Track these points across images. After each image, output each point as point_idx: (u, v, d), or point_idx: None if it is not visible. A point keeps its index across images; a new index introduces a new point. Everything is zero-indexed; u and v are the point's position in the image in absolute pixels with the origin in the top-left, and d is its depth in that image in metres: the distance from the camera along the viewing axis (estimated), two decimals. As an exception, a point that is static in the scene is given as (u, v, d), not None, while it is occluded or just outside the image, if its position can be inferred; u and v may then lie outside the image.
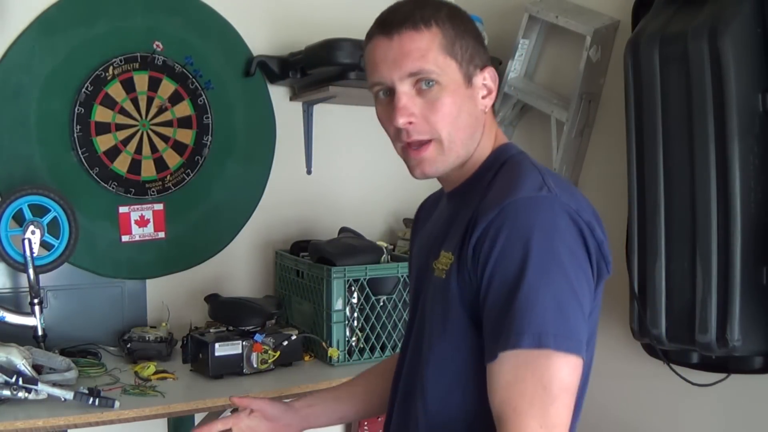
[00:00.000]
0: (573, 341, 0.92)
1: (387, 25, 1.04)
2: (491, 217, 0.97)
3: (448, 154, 1.06)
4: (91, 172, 2.08)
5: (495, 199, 0.99)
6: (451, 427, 1.04)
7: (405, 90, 1.03)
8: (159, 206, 2.18)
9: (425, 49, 1.02)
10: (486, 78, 1.08)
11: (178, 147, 2.20)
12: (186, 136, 2.22)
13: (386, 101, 1.06)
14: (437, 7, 1.05)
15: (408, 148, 1.06)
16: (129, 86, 2.13)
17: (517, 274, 0.93)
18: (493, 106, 1.11)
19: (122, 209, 2.14)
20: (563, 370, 0.91)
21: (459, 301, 1.01)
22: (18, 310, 1.87)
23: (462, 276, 1.00)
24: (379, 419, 2.39)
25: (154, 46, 2.16)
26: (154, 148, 2.17)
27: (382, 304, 1.97)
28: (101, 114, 2.09)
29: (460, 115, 1.05)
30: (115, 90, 2.11)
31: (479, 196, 1.04)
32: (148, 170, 2.16)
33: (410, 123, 1.03)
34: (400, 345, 1.30)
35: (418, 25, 1.02)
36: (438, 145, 1.05)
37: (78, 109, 2.05)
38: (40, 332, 1.81)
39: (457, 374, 1.03)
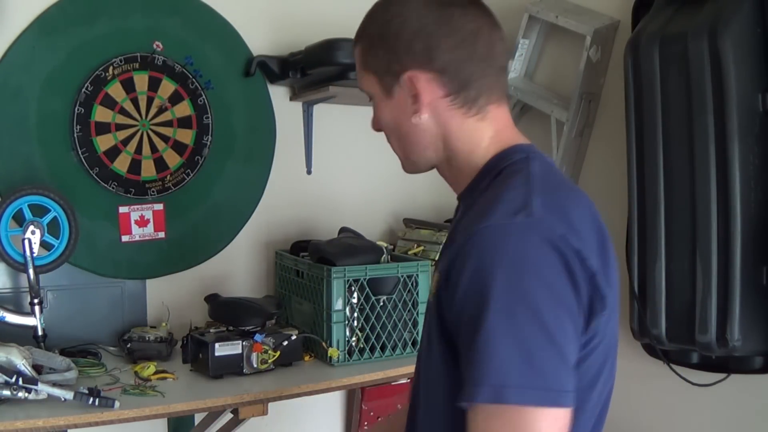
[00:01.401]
0: (547, 392, 0.79)
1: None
2: (458, 246, 0.86)
3: (411, 167, 1.05)
4: (91, 172, 2.08)
5: (468, 222, 0.89)
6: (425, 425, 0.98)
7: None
8: (159, 206, 2.18)
9: (358, 67, 1.04)
10: (402, 84, 0.98)
11: (178, 147, 2.20)
12: (186, 136, 2.22)
13: None
14: (364, 21, 1.03)
15: None
16: (129, 86, 2.13)
17: (478, 316, 0.81)
18: (492, 102, 1.00)
19: (122, 209, 2.13)
20: (540, 423, 0.79)
21: (438, 325, 0.92)
22: (18, 310, 1.87)
23: (441, 301, 0.91)
24: (379, 419, 2.39)
25: (154, 46, 2.16)
26: (154, 148, 2.17)
27: (382, 304, 1.97)
28: (101, 114, 2.09)
29: (395, 128, 1.01)
30: (115, 90, 2.11)
31: (471, 208, 0.96)
32: (148, 170, 2.16)
33: (377, 131, 1.06)
34: None
35: (353, 44, 1.04)
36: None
37: (78, 109, 2.05)
38: (40, 332, 1.81)
39: (440, 403, 0.95)
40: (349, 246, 2.04)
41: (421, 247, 2.29)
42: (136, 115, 2.15)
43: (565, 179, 1.00)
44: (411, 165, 1.05)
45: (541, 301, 0.81)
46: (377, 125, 1.05)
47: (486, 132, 1.00)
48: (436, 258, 1.00)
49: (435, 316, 0.93)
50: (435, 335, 0.93)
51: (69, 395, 1.51)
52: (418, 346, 1.11)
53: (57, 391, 1.52)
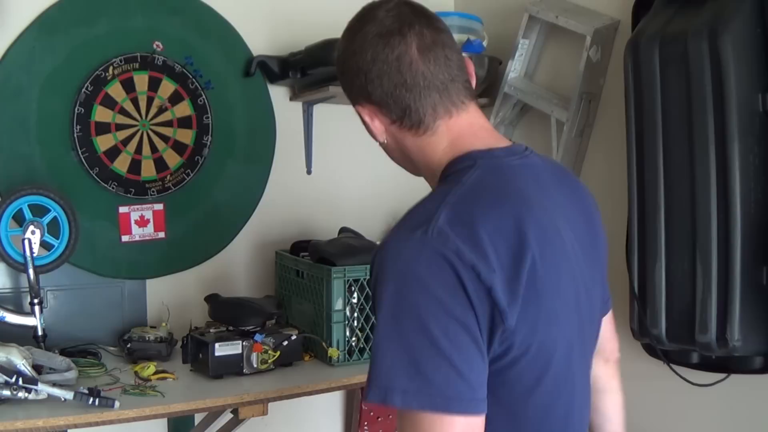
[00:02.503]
0: (433, 398, 0.84)
1: None
2: (373, 256, 0.94)
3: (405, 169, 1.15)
4: (91, 172, 2.08)
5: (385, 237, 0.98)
6: None
7: None
8: (159, 206, 2.18)
9: None
10: (363, 112, 1.08)
11: (178, 147, 2.20)
12: (186, 136, 2.22)
13: None
14: (335, 48, 1.14)
15: None
16: (129, 86, 2.13)
17: (376, 323, 0.90)
18: (451, 113, 1.05)
19: (122, 209, 2.14)
20: (433, 427, 0.84)
21: None
22: (18, 310, 1.87)
23: None
24: (379, 419, 2.39)
25: (154, 46, 2.16)
26: (154, 148, 2.17)
27: (382, 304, 1.97)
28: (101, 114, 2.09)
29: (383, 145, 1.12)
30: (115, 90, 2.11)
31: None
32: (148, 170, 2.16)
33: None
34: None
35: None
36: None
37: (78, 109, 2.05)
38: (40, 332, 1.81)
39: None
40: (349, 246, 2.04)
41: (421, 247, 2.29)
42: (136, 115, 2.15)
43: (503, 185, 0.98)
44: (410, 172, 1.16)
45: (426, 312, 0.85)
46: None
47: (439, 145, 1.05)
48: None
49: None
50: None
51: (69, 395, 1.51)
52: None
53: (57, 391, 1.52)
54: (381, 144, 1.12)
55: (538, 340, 0.92)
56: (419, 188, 2.40)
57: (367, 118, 1.08)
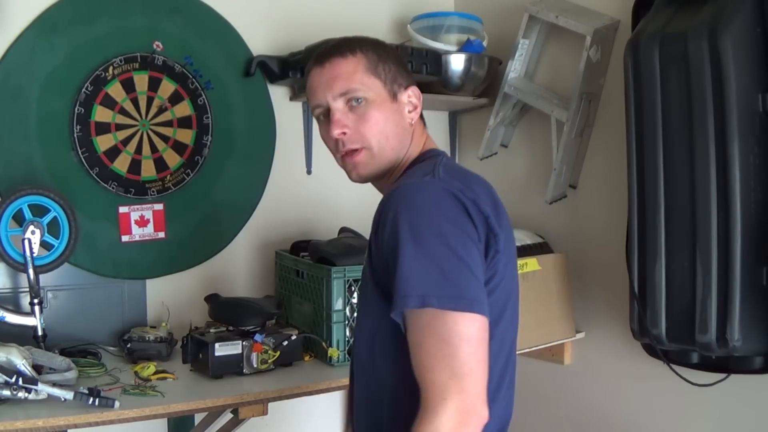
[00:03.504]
0: (463, 300, 1.02)
1: (320, 57, 1.24)
2: (384, 203, 1.11)
3: (379, 159, 1.22)
4: (91, 172, 2.08)
5: (399, 180, 1.17)
6: (373, 383, 1.19)
7: (339, 107, 1.21)
8: (159, 206, 2.18)
9: (351, 72, 1.21)
10: (410, 95, 1.26)
11: (178, 147, 2.20)
12: (186, 136, 2.22)
13: (326, 121, 1.23)
14: (362, 40, 1.26)
15: (344, 157, 1.23)
16: (129, 86, 2.13)
17: (398, 247, 1.04)
18: (422, 117, 1.29)
19: (122, 209, 2.14)
20: (459, 324, 1.01)
21: (371, 277, 1.15)
22: (18, 310, 1.87)
23: (371, 256, 1.14)
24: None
25: (154, 46, 2.16)
26: (154, 148, 2.17)
27: (382, 304, 1.97)
28: (101, 114, 2.09)
29: (386, 125, 1.21)
30: (115, 90, 2.11)
31: None
32: (148, 170, 2.16)
33: (344, 134, 1.20)
34: None
35: (344, 53, 1.22)
36: (368, 152, 1.21)
37: (78, 109, 2.05)
38: (40, 332, 1.81)
39: (370, 340, 1.17)
40: (349, 246, 2.04)
41: (421, 247, 2.29)
42: (136, 115, 2.15)
43: (467, 170, 1.23)
44: (370, 167, 1.23)
45: (446, 230, 1.05)
46: (363, 124, 1.20)
47: (423, 137, 1.29)
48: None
49: (368, 272, 1.17)
50: (370, 286, 1.16)
51: (69, 395, 1.51)
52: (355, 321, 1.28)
53: (57, 391, 1.52)
54: (407, 125, 1.25)
55: (507, 274, 1.15)
56: (419, 188, 2.37)
57: (416, 100, 1.26)
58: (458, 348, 1.00)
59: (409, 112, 1.26)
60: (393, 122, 1.22)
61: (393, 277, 1.05)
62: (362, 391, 1.22)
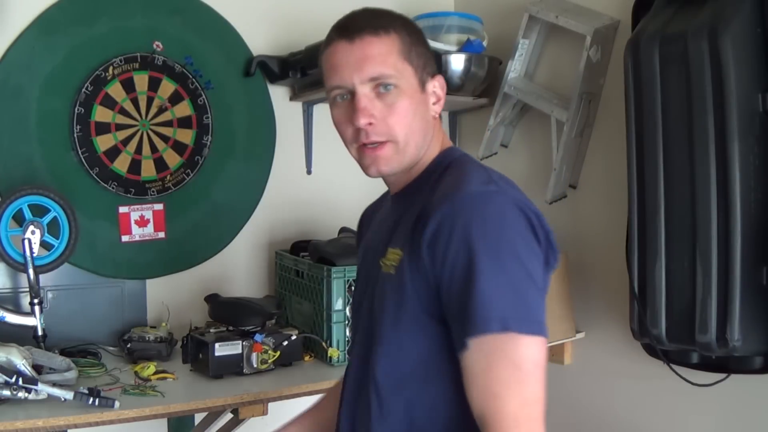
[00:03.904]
0: (535, 324, 0.97)
1: (347, 30, 1.08)
2: (444, 211, 1.00)
3: (402, 155, 1.10)
4: (91, 172, 2.08)
5: (445, 194, 1.03)
6: (406, 417, 1.06)
7: (365, 92, 1.07)
8: (159, 206, 2.18)
9: (386, 54, 1.07)
10: (436, 85, 1.14)
11: (178, 147, 2.20)
12: (186, 136, 2.22)
13: (344, 104, 1.10)
14: (393, 16, 1.12)
15: (363, 148, 1.10)
16: (129, 86, 2.13)
17: (471, 265, 0.96)
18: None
19: (122, 209, 2.14)
20: (531, 348, 0.95)
21: (413, 294, 1.03)
22: (18, 310, 1.87)
23: (415, 270, 1.03)
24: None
25: (154, 46, 2.16)
26: (154, 148, 2.17)
27: (382, 304, 1.97)
28: (101, 114, 2.09)
29: (414, 118, 1.09)
30: (115, 90, 2.11)
31: (425, 196, 1.08)
32: (148, 170, 2.16)
33: (370, 124, 1.07)
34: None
35: (378, 31, 1.07)
36: (394, 146, 1.09)
37: (78, 109, 2.05)
38: (40, 332, 1.81)
39: (411, 365, 1.05)
40: (349, 246, 2.04)
41: (421, 247, 2.29)
42: (136, 115, 2.15)
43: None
44: (393, 163, 1.11)
45: (519, 247, 0.99)
46: (392, 115, 1.07)
47: (441, 133, 1.19)
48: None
49: (404, 286, 1.04)
50: (409, 303, 1.04)
51: (69, 395, 1.51)
52: (359, 340, 1.17)
53: (57, 391, 1.52)
54: (431, 117, 1.14)
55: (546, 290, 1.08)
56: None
57: (440, 91, 1.15)
58: (530, 374, 0.95)
59: (434, 104, 1.14)
60: (420, 115, 1.10)
61: (464, 297, 0.96)
62: (389, 425, 1.08)
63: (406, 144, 1.09)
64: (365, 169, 1.13)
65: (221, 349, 1.80)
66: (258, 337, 1.85)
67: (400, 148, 1.09)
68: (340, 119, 1.12)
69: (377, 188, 2.64)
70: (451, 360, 1.00)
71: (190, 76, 2.21)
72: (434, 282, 1.01)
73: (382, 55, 1.06)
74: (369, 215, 1.36)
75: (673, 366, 1.85)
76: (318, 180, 2.46)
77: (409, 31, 1.11)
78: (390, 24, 1.09)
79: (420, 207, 1.06)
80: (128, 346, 1.93)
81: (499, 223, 0.99)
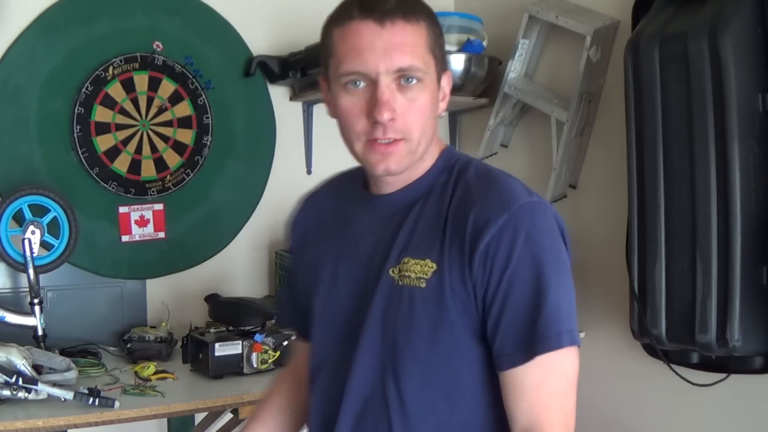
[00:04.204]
0: (576, 334, 0.98)
1: (375, 10, 0.95)
2: (502, 223, 0.95)
3: (413, 154, 1.01)
4: (91, 172, 2.08)
5: (497, 204, 0.97)
6: (431, 421, 1.01)
7: (388, 83, 0.96)
8: (159, 206, 2.18)
9: (415, 44, 0.97)
10: (446, 82, 1.06)
11: (178, 147, 2.20)
12: (186, 136, 2.22)
13: (359, 92, 0.97)
14: (422, 4, 1.03)
15: (374, 144, 0.99)
16: (129, 86, 2.13)
17: (543, 278, 0.95)
18: None
19: (122, 209, 2.14)
20: (575, 360, 0.97)
21: (454, 310, 0.98)
22: (18, 310, 1.87)
23: (459, 285, 0.97)
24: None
25: (154, 46, 2.16)
26: (154, 148, 2.17)
27: (382, 304, 1.97)
28: (101, 114, 2.09)
29: (430, 117, 1.01)
30: (115, 90, 2.11)
31: (444, 201, 1.02)
32: (148, 170, 2.16)
33: (393, 119, 0.96)
34: (314, 361, 1.13)
35: (409, 18, 0.97)
36: (407, 144, 0.99)
37: (78, 109, 2.05)
38: (40, 332, 1.81)
39: (443, 384, 1.01)
40: (349, 246, 2.04)
41: (421, 247, 2.29)
42: (136, 115, 2.15)
43: None
44: (404, 162, 1.02)
45: (567, 260, 1.00)
46: (413, 112, 0.98)
47: (436, 132, 1.12)
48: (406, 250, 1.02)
49: (441, 301, 0.98)
50: (447, 320, 0.98)
51: (69, 395, 1.51)
52: (365, 353, 1.04)
53: (57, 391, 1.52)
54: (437, 116, 1.05)
55: None
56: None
57: (448, 88, 1.07)
58: (574, 386, 0.97)
59: (441, 101, 1.05)
60: (433, 113, 1.02)
61: (533, 312, 0.94)
62: None
63: (418, 143, 1.00)
64: (372, 166, 1.01)
65: (221, 349, 1.80)
66: (258, 337, 1.85)
67: (413, 147, 1.00)
68: (352, 109, 0.98)
69: (377, 188, 2.63)
70: (482, 375, 0.99)
71: (190, 76, 2.21)
72: (482, 296, 0.97)
73: (412, 45, 0.96)
74: (312, 214, 1.21)
75: (673, 366, 1.85)
76: (318, 180, 2.43)
77: (436, 22, 1.03)
78: (421, 11, 1.00)
79: (444, 214, 1.00)
80: (128, 346, 1.93)
81: (553, 234, 0.98)
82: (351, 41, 0.96)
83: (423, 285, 0.99)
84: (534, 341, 0.94)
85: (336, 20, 0.99)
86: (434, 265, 0.99)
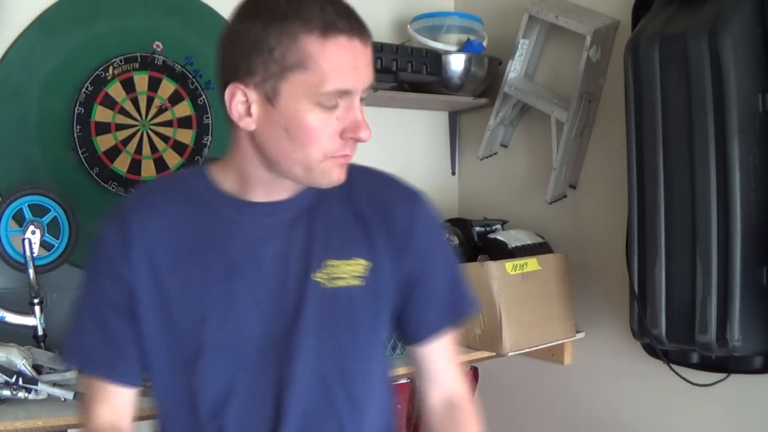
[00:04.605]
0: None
1: (357, 27, 0.92)
2: (422, 212, 1.08)
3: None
4: (91, 172, 2.08)
5: (409, 195, 1.10)
6: (374, 409, 1.09)
7: (359, 103, 0.95)
8: (159, 206, 2.18)
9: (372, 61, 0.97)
10: None
11: (178, 147, 2.20)
12: (186, 136, 2.22)
13: (331, 112, 0.93)
14: None
15: (335, 159, 0.96)
16: (129, 86, 2.13)
17: (450, 254, 1.13)
18: None
19: (122, 209, 2.13)
20: None
21: (389, 298, 1.07)
22: (18, 310, 1.87)
23: (396, 273, 1.06)
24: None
25: (154, 46, 2.16)
26: (154, 148, 2.17)
27: (382, 304, 1.97)
28: (101, 114, 2.09)
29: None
30: (115, 90, 2.11)
31: (351, 200, 1.04)
32: (148, 170, 2.16)
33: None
34: (208, 393, 1.01)
35: (368, 36, 0.95)
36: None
37: (78, 109, 2.05)
38: (40, 332, 1.81)
39: (379, 370, 1.11)
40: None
41: (421, 247, 2.29)
42: (136, 115, 2.15)
43: None
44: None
45: None
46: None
47: None
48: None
49: (378, 294, 1.04)
50: (383, 310, 1.07)
51: (69, 395, 1.51)
52: (304, 356, 1.01)
53: (57, 391, 1.52)
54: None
55: None
56: (419, 188, 2.37)
57: None
58: None
59: None
60: None
61: (453, 285, 1.12)
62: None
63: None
64: (330, 178, 0.97)
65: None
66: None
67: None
68: (324, 128, 0.93)
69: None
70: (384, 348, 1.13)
71: (190, 76, 2.21)
72: (410, 278, 1.07)
73: (371, 62, 0.96)
74: (158, 232, 1.02)
75: (673, 366, 1.85)
76: (318, 180, 2.45)
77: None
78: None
79: (354, 211, 1.04)
80: (128, 346, 1.93)
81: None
82: (343, 58, 0.90)
83: (361, 283, 1.02)
84: (456, 310, 1.11)
85: (309, 26, 0.89)
86: (367, 263, 1.03)
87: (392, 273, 1.05)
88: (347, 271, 1.02)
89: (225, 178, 1.04)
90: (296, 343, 1.00)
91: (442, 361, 1.12)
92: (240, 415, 1.00)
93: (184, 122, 2.21)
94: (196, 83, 2.21)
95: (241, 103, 0.95)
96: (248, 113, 0.95)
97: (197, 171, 1.07)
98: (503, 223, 2.35)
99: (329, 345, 1.02)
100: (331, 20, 0.89)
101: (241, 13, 0.95)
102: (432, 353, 1.11)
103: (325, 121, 0.92)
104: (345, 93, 0.92)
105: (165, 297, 1.00)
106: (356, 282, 1.02)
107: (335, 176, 0.98)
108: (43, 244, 1.89)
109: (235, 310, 1.00)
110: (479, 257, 2.21)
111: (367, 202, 1.05)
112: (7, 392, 1.50)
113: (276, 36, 0.89)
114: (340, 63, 0.90)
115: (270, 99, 0.92)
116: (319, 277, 1.01)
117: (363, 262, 1.03)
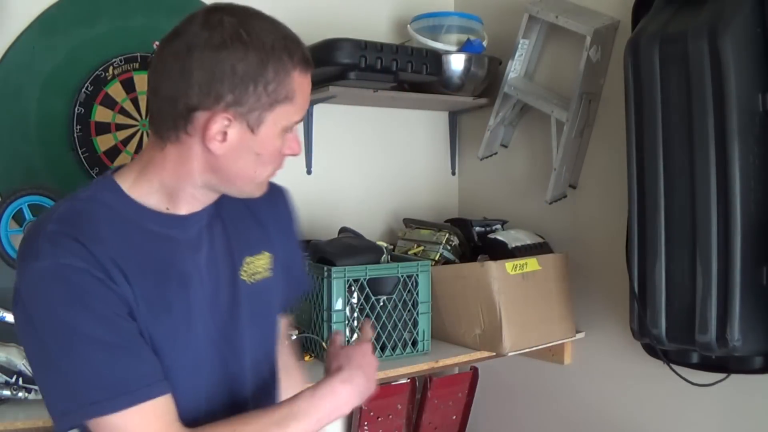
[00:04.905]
0: None
1: (309, 60, 1.06)
2: (287, 197, 1.26)
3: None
4: (91, 172, 2.08)
5: (272, 183, 1.16)
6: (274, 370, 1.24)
7: None
8: (159, 206, 2.18)
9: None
10: None
11: (178, 147, 2.20)
12: (186, 136, 2.21)
13: (283, 136, 1.04)
14: None
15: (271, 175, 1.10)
16: (129, 86, 2.13)
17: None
18: None
19: (122, 209, 2.13)
20: None
21: (283, 284, 1.20)
22: (18, 310, 1.87)
23: (287, 257, 1.21)
24: (379, 419, 2.39)
25: (154, 46, 2.16)
26: (154, 148, 2.17)
27: (382, 304, 1.97)
28: (101, 114, 2.09)
29: None
30: (115, 90, 2.11)
31: (237, 200, 1.11)
32: (148, 170, 2.16)
33: None
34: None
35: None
36: None
37: (78, 109, 2.05)
38: (40, 332, 1.81)
39: (273, 341, 1.24)
40: (349, 246, 2.04)
41: (421, 247, 2.29)
42: (136, 115, 2.15)
43: None
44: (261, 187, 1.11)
45: None
46: None
47: None
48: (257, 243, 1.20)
49: (281, 279, 1.18)
50: (283, 291, 1.21)
51: (69, 395, 1.51)
52: (252, 345, 1.16)
53: (57, 391, 1.52)
54: None
55: None
56: (419, 188, 2.42)
57: None
58: None
59: None
60: None
61: (303, 261, 1.33)
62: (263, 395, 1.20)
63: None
64: (258, 192, 1.09)
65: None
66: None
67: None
68: (279, 150, 1.04)
69: (377, 188, 2.64)
70: None
71: (190, 76, 2.21)
72: (287, 263, 1.21)
73: None
74: (119, 248, 0.97)
75: (673, 366, 1.85)
76: (318, 180, 2.45)
77: None
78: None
79: (265, 206, 1.18)
80: (128, 346, 1.93)
81: None
82: (308, 90, 1.04)
83: (271, 274, 1.15)
84: (303, 288, 1.34)
85: (294, 62, 1.01)
86: (270, 254, 1.15)
87: (283, 259, 1.18)
88: (260, 265, 1.13)
89: (143, 193, 1.03)
90: (239, 340, 1.09)
91: (283, 327, 1.29)
92: (214, 417, 1.03)
93: (184, 122, 2.21)
94: (196, 83, 2.21)
95: (220, 129, 0.97)
96: (224, 139, 0.97)
97: (108, 188, 1.03)
98: (503, 223, 2.36)
99: (258, 334, 1.14)
100: (306, 56, 1.03)
101: (215, 40, 0.96)
102: (282, 324, 1.28)
103: (283, 144, 1.03)
104: (300, 120, 1.05)
105: (143, 314, 0.98)
106: (268, 274, 1.14)
107: (263, 189, 1.11)
108: (43, 244, 1.88)
109: (193, 320, 1.02)
110: (479, 257, 2.21)
111: (256, 198, 1.13)
112: (7, 392, 1.50)
113: (273, 71, 0.97)
114: (306, 94, 1.03)
115: (252, 128, 0.98)
116: (243, 275, 1.10)
117: (267, 254, 1.15)
